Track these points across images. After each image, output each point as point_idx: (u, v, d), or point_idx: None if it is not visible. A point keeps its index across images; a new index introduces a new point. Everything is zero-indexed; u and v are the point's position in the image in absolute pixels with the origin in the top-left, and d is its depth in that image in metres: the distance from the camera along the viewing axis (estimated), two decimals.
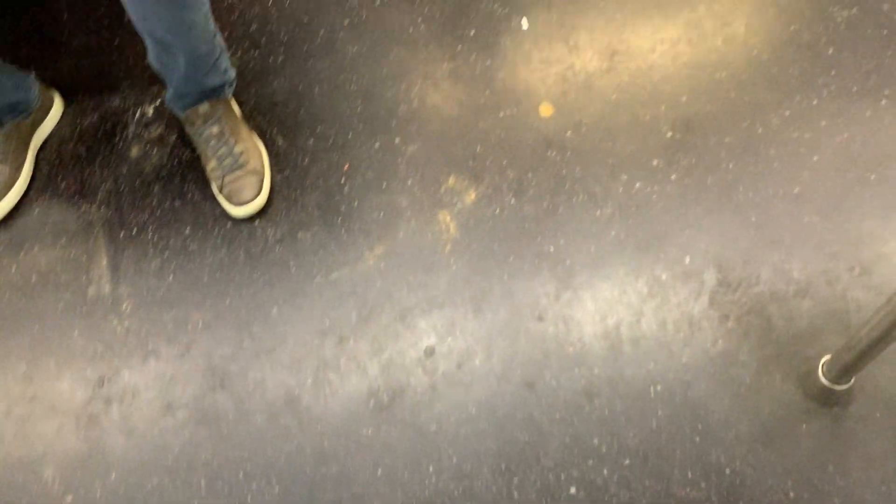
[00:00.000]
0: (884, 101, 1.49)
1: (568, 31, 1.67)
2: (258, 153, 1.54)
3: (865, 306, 1.29)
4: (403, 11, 1.75)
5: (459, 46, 1.69)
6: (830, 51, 1.56)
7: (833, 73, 1.54)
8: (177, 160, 1.61)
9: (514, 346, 1.33)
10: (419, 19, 1.74)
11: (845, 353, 1.07)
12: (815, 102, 1.51)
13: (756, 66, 1.57)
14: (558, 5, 1.71)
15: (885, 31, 1.56)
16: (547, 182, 1.49)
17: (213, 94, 1.48)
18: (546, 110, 1.59)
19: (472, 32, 1.70)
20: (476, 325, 1.36)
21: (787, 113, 1.50)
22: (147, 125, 1.66)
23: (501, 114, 1.59)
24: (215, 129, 1.49)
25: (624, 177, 1.48)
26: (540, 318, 1.35)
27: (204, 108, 1.47)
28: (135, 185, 1.59)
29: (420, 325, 1.37)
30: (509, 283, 1.40)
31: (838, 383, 1.17)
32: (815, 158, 1.45)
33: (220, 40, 1.41)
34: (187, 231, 1.53)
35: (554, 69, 1.63)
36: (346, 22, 1.76)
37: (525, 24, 1.70)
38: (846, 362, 1.08)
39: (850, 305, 1.30)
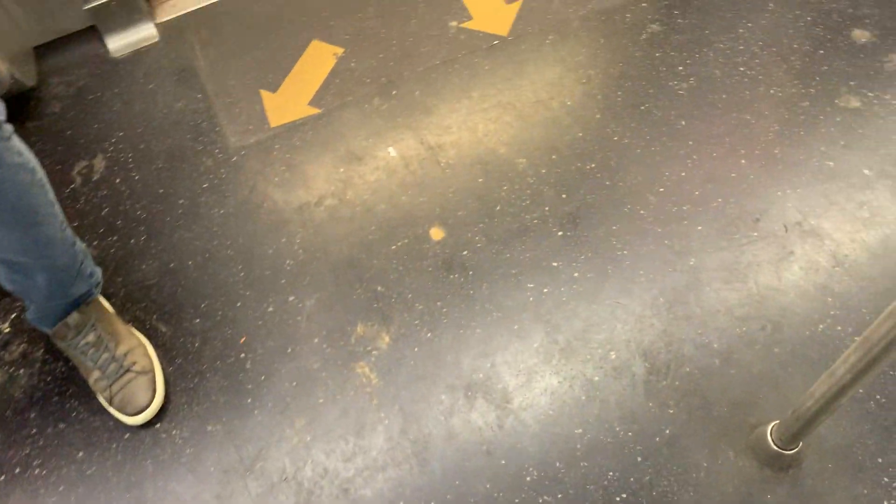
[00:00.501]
0: (743, 161, 1.65)
1: (436, 151, 1.73)
2: (143, 349, 1.46)
3: (787, 362, 1.39)
4: (264, 162, 1.75)
5: (332, 186, 1.71)
6: (683, 123, 1.72)
7: (691, 142, 1.69)
8: (50, 377, 1.49)
9: (471, 491, 1.31)
10: (282, 167, 1.74)
11: (793, 422, 1.14)
12: (683, 174, 1.64)
13: (620, 150, 1.70)
14: (419, 126, 1.78)
15: (724, 96, 1.74)
16: (458, 307, 1.51)
17: (81, 301, 1.39)
18: (437, 234, 1.62)
19: (342, 170, 1.73)
20: (425, 480, 1.33)
21: (662, 189, 1.63)
22: (6, 345, 1.54)
23: (393, 247, 1.61)
24: (91, 338, 1.40)
25: (530, 285, 1.53)
26: (489, 453, 1.35)
27: (74, 318, 1.38)
28: (6, 416, 1.45)
29: (366, 496, 1.33)
30: (448, 423, 1.38)
31: (788, 448, 1.24)
32: (700, 228, 1.57)
33: (80, 245, 1.34)
34: (80, 455, 1.41)
35: (433, 191, 1.68)
36: (206, 185, 1.73)
37: (392, 151, 1.75)
38: (795, 430, 1.16)
39: (774, 364, 1.40)
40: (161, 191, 1.73)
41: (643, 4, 1.89)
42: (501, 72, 1.84)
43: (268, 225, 1.67)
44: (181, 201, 1.71)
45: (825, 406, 1.03)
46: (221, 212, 1.69)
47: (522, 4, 1.94)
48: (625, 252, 1.56)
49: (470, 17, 1.93)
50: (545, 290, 1.53)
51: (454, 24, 1.93)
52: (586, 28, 1.89)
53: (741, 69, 1.78)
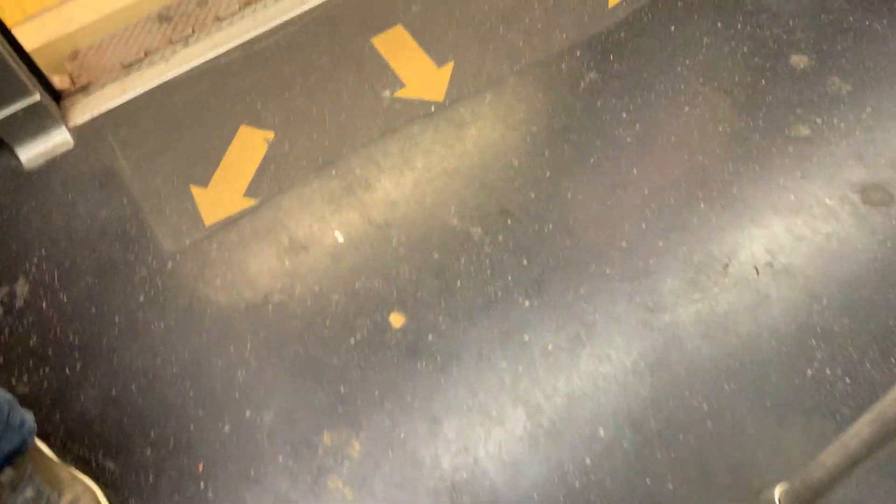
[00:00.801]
0: (702, 204, 1.61)
1: (385, 230, 1.66)
2: (90, 494, 1.33)
3: (782, 415, 1.35)
4: (202, 264, 1.65)
5: (279, 282, 1.61)
6: (635, 171, 1.68)
7: (646, 191, 1.65)
8: None
9: None
10: (223, 268, 1.64)
11: (803, 490, 1.08)
12: (644, 226, 1.60)
13: (576, 207, 1.65)
14: (364, 205, 1.70)
15: (673, 138, 1.72)
16: (430, 398, 1.43)
17: (13, 455, 1.26)
18: (397, 320, 1.54)
19: (287, 262, 1.64)
20: None
21: (624, 244, 1.58)
22: None
23: (352, 340, 1.52)
24: (30, 492, 1.27)
25: (503, 364, 1.46)
26: None
27: (7, 475, 1.25)
28: None
29: None
30: None
31: None
32: (669, 281, 1.52)
33: (3, 396, 1.22)
34: None
35: (388, 273, 1.60)
36: (142, 298, 1.62)
37: (339, 235, 1.66)
38: (805, 498, 1.09)
39: (769, 418, 1.34)
40: (93, 310, 1.61)
41: (577, 53, 1.86)
42: (443, 138, 1.79)
43: (214, 334, 1.56)
44: (117, 319, 1.59)
45: (837, 477, 0.97)
46: (162, 326, 1.57)
47: (454, 66, 1.89)
48: (596, 315, 1.50)
49: (403, 85, 1.87)
50: (520, 368, 1.45)
51: (387, 93, 1.87)
52: (523, 83, 1.85)
53: (686, 109, 1.75)
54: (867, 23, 1.81)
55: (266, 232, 1.70)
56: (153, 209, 1.75)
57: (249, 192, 1.75)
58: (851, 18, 1.83)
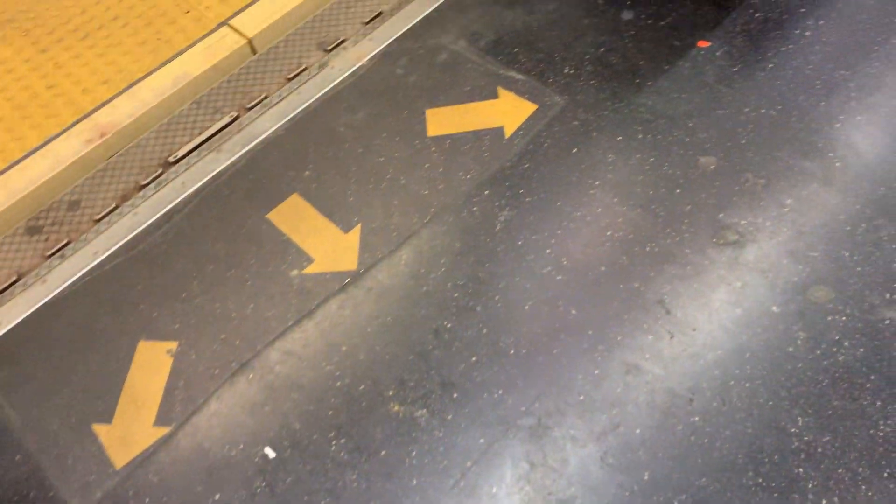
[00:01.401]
0: (650, 337, 1.54)
1: (321, 435, 1.51)
2: None
3: None
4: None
5: None
6: (573, 312, 1.60)
7: (590, 331, 1.57)
8: None
9: None
10: None
11: None
12: (597, 372, 1.51)
13: (521, 364, 1.55)
14: (292, 410, 1.56)
15: (603, 268, 1.65)
16: None
17: None
18: None
19: (219, 496, 1.46)
20: None
21: (582, 398, 1.48)
22: None
23: None
24: None
25: None
26: None
27: None
28: None
29: None
30: None
31: None
32: (638, 432, 1.42)
33: None
34: None
35: (332, 485, 1.44)
36: None
37: (270, 451, 1.50)
38: None
39: None
40: None
41: (486, 192, 1.79)
42: (365, 311, 1.66)
43: None
44: None
45: None
46: None
47: (362, 228, 1.79)
48: (572, 490, 1.38)
49: (311, 260, 1.75)
50: None
51: (295, 272, 1.74)
52: (437, 234, 1.76)
53: (608, 233, 1.69)
54: (762, 111, 1.82)
55: (187, 463, 1.51)
56: (53, 461, 1.54)
57: (160, 420, 1.57)
58: (746, 109, 1.83)
